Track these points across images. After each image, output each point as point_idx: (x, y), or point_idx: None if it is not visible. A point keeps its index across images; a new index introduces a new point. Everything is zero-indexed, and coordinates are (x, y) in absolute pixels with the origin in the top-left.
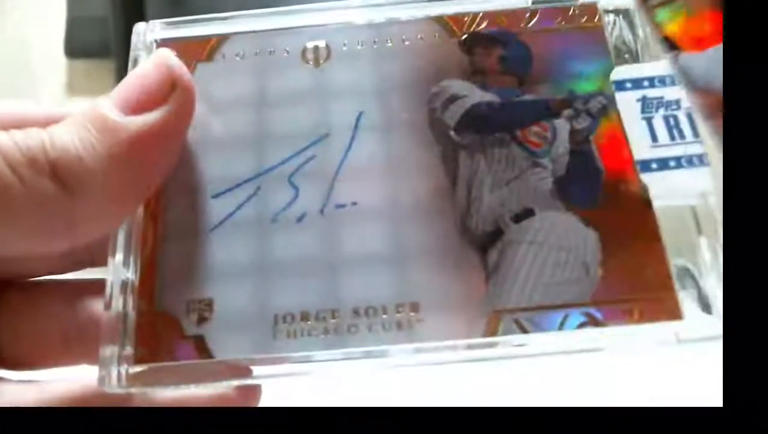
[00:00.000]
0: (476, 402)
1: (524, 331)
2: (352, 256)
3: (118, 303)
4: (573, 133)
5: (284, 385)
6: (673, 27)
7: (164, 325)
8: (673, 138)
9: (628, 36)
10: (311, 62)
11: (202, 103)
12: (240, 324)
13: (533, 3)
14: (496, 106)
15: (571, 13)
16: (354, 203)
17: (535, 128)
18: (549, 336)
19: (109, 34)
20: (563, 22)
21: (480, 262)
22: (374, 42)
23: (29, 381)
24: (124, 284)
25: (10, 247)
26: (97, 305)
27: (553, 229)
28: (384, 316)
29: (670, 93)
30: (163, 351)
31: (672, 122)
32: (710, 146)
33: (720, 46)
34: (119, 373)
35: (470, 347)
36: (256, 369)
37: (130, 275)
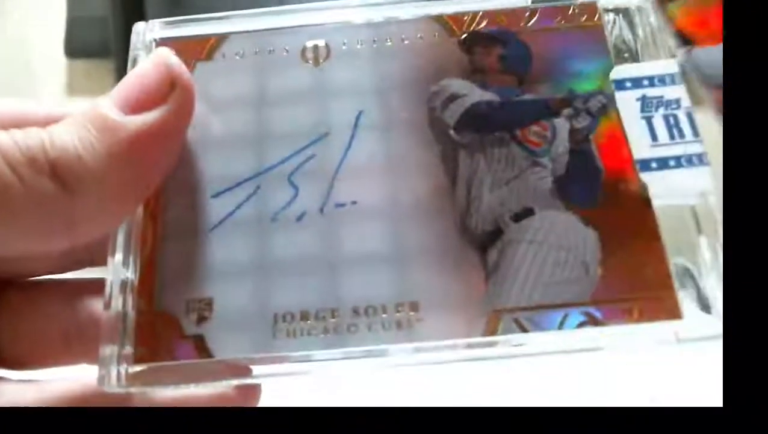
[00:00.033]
0: (476, 402)
1: (524, 330)
2: (351, 255)
3: (117, 303)
4: (573, 132)
5: (284, 384)
6: (687, 21)
7: (164, 324)
8: (672, 137)
9: (627, 35)
10: (311, 61)
11: (201, 102)
12: (240, 324)
13: (533, 2)
14: (495, 106)
15: (570, 12)
16: (354, 202)
17: (534, 128)
18: (548, 335)
19: (109, 34)
20: (563, 21)
21: (480, 261)
22: (374, 41)
23: (29, 381)
24: (124, 284)
25: (10, 246)
26: (96, 305)
27: (552, 228)
28: (384, 315)
29: (670, 92)
30: (163, 351)
31: (672, 121)
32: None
33: None
34: (119, 372)
35: (470, 346)
36: (256, 369)
37: (130, 274)
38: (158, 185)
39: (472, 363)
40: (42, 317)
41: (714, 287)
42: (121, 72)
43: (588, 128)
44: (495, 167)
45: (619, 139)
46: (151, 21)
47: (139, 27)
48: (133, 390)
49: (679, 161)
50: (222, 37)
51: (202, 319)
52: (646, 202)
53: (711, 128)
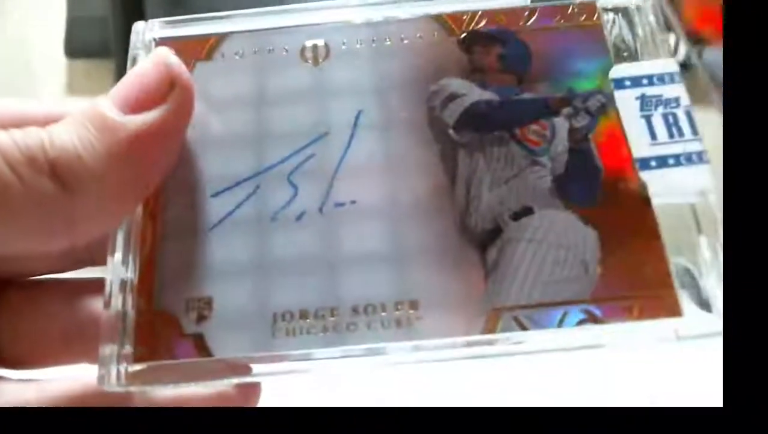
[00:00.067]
0: (475, 400)
1: (523, 328)
2: (351, 254)
3: (117, 302)
4: (572, 131)
5: (283, 383)
6: (694, 16)
7: (163, 324)
8: (672, 136)
9: (627, 34)
10: (310, 61)
11: (201, 102)
12: (239, 323)
13: (532, 1)
14: (495, 105)
15: (570, 11)
16: (353, 202)
17: (534, 127)
18: (548, 333)
19: (108, 34)
20: (562, 21)
21: (479, 260)
22: (373, 41)
23: (29, 380)
24: (124, 283)
25: (10, 246)
26: (96, 304)
27: (552, 227)
28: (383, 314)
29: (669, 91)
30: (163, 350)
31: (671, 119)
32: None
33: None
34: (119, 372)
35: (469, 344)
36: (256, 367)
37: (130, 273)
38: (158, 185)
39: (471, 361)
40: (42, 316)
41: (714, 286)
42: (120, 72)
43: (587, 127)
44: (494, 166)
45: (619, 138)
46: (150, 20)
47: (138, 27)
48: (132, 389)
49: (678, 160)
50: (221, 37)
51: (201, 318)
52: (645, 201)
53: (720, 130)
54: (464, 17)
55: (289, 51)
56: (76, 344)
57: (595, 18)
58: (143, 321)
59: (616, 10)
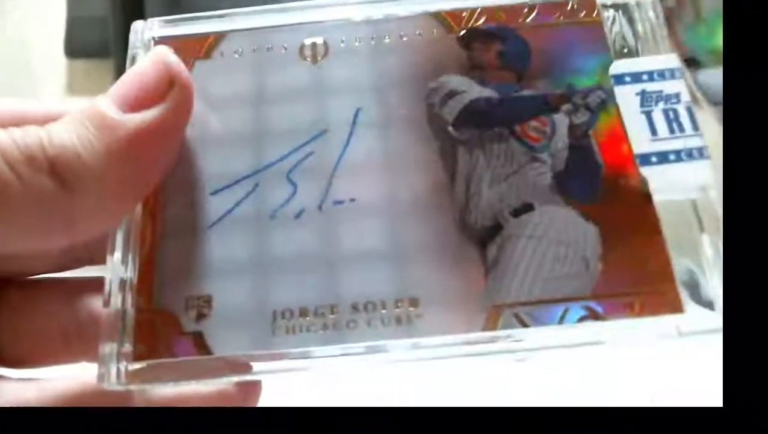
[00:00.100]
0: (476, 397)
1: (524, 325)
2: (350, 252)
3: (116, 301)
4: (572, 127)
5: (283, 381)
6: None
7: (163, 322)
8: (672, 131)
9: (627, 31)
10: (309, 59)
11: (200, 100)
12: (239, 321)
13: None
14: (494, 102)
15: (569, 8)
16: (352, 200)
17: (533, 123)
18: (549, 330)
19: (108, 34)
20: (562, 17)
21: (479, 257)
22: (372, 38)
23: (29, 379)
24: (123, 282)
25: (9, 245)
26: (96, 303)
27: (552, 223)
28: (383, 311)
29: (670, 87)
30: (162, 348)
31: (671, 115)
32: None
33: None
34: (118, 370)
35: (470, 342)
36: (255, 365)
37: (129, 272)
38: (157, 183)
39: (472, 358)
40: (41, 315)
41: (716, 282)
42: (120, 71)
43: (587, 124)
44: (494, 163)
45: (619, 134)
46: (149, 19)
47: (137, 25)
48: (132, 387)
49: (679, 155)
50: (220, 36)
51: (201, 316)
52: (646, 196)
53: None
54: (463, 14)
55: (288, 49)
56: (76, 343)
57: (594, 15)
58: (143, 320)
59: (615, 6)
